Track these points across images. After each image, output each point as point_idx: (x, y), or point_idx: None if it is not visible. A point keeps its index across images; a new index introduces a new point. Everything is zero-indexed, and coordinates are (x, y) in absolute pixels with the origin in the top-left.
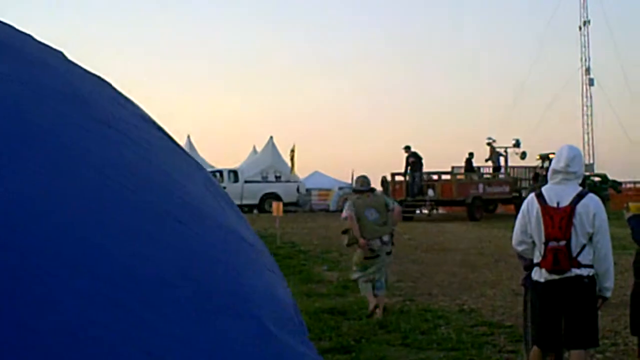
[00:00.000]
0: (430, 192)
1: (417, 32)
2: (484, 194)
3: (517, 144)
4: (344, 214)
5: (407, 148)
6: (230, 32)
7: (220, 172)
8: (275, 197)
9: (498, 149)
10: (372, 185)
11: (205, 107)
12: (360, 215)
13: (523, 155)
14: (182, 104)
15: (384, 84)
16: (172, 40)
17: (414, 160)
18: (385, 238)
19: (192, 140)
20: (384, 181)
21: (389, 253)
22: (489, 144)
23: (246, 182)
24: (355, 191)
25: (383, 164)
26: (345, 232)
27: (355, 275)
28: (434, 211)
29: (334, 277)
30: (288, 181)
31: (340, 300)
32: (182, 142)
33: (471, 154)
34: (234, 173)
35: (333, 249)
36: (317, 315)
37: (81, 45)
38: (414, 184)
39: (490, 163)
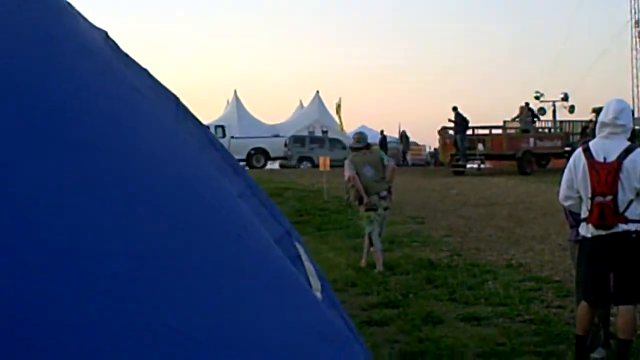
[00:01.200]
0: (480, 146)
1: None
2: (534, 148)
3: (565, 98)
4: (346, 174)
5: (454, 108)
6: None
7: (207, 127)
8: (263, 152)
9: (542, 105)
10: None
11: (251, 62)
12: (358, 172)
13: (572, 109)
14: (228, 59)
15: (432, 38)
16: None
17: (459, 121)
18: (383, 194)
19: (239, 94)
20: (402, 136)
21: (386, 208)
22: (537, 97)
23: (233, 137)
24: (352, 148)
25: (430, 118)
26: (348, 192)
27: (368, 229)
28: (482, 165)
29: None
30: (277, 135)
31: (388, 255)
32: (229, 96)
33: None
34: (221, 128)
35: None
36: (364, 270)
37: None
38: (461, 144)
39: (516, 123)
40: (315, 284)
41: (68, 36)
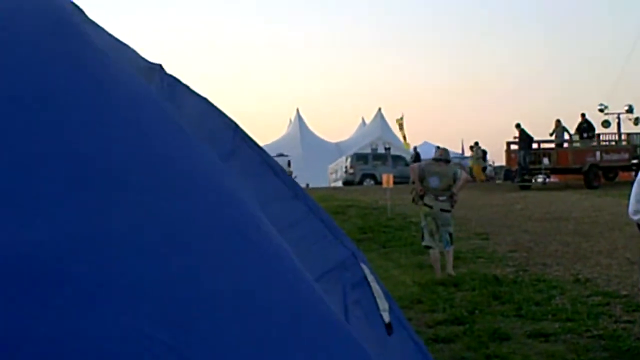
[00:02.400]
0: (546, 160)
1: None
2: (601, 162)
3: (630, 110)
4: (412, 177)
5: (518, 125)
6: (338, 3)
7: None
8: None
9: (607, 117)
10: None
11: (314, 80)
12: (423, 179)
13: (637, 121)
14: (291, 77)
15: (494, 54)
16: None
17: (522, 138)
18: (441, 198)
19: (301, 113)
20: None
21: (444, 210)
22: (600, 110)
23: None
24: (433, 158)
25: (493, 133)
26: (412, 192)
27: (421, 224)
28: (548, 179)
29: None
30: (281, 155)
31: (445, 272)
32: (291, 115)
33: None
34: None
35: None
36: (429, 286)
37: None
38: (524, 160)
39: (553, 137)
40: (383, 304)
41: (115, 82)
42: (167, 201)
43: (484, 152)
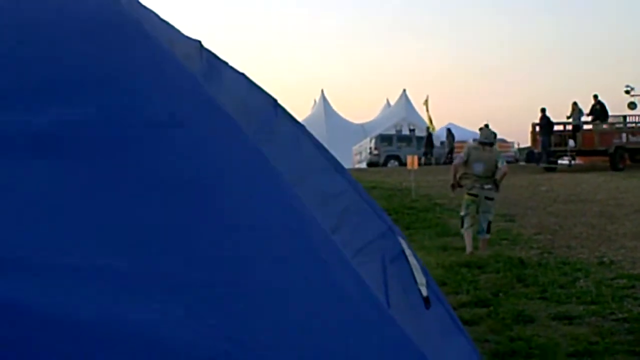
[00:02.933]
0: (571, 142)
1: None
2: (627, 143)
3: None
4: (455, 160)
5: (543, 110)
6: None
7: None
8: None
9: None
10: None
11: (339, 61)
12: (469, 164)
13: (632, 106)
14: (315, 58)
15: (519, 36)
16: None
17: (544, 124)
18: (487, 186)
19: (326, 94)
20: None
21: (489, 198)
22: (627, 92)
23: None
24: (479, 142)
25: (518, 115)
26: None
27: (462, 212)
28: (574, 162)
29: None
30: None
31: (477, 253)
32: (316, 96)
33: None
34: None
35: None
36: (453, 268)
37: None
38: (543, 146)
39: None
40: (420, 279)
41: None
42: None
43: (494, 135)
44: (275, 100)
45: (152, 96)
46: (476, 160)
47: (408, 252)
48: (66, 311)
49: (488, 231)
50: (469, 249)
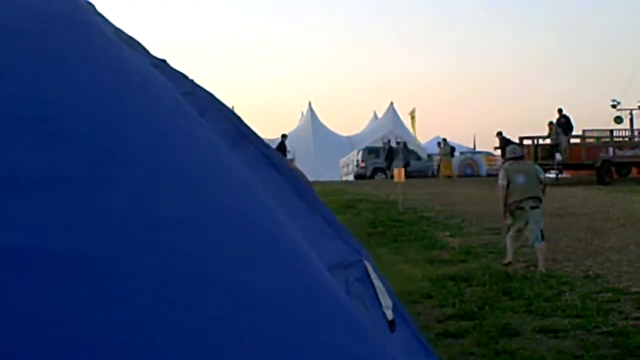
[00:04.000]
0: (558, 156)
1: None
2: (614, 158)
3: None
4: (500, 181)
5: (499, 134)
6: None
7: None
8: None
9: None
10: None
11: (326, 74)
12: (510, 180)
13: (618, 120)
14: (302, 71)
15: (507, 48)
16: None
17: (504, 144)
18: (534, 196)
19: (313, 106)
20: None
21: (534, 207)
22: (613, 106)
23: None
24: (509, 159)
25: (506, 129)
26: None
27: (508, 222)
28: (560, 175)
29: (457, 243)
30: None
31: (463, 266)
32: (303, 108)
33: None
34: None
35: (456, 215)
36: (439, 281)
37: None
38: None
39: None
40: (386, 301)
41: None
42: (183, 193)
43: (452, 149)
44: (238, 119)
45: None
46: (516, 173)
47: (373, 275)
48: None
49: (542, 238)
50: (509, 258)
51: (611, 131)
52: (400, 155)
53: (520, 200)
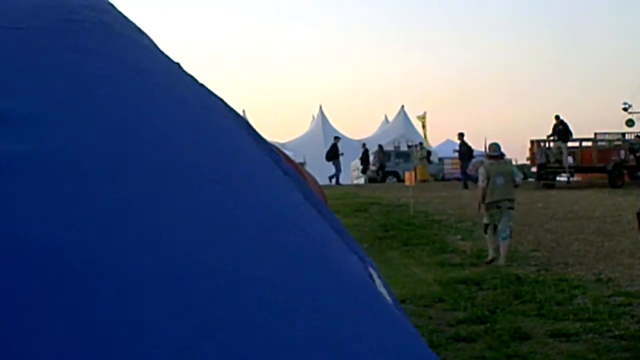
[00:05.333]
0: (570, 159)
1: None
2: (626, 161)
3: None
4: (479, 183)
5: (461, 135)
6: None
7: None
8: None
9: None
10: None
11: (337, 77)
12: (490, 180)
13: (630, 123)
14: (314, 74)
15: (518, 51)
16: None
17: (465, 149)
18: (509, 198)
19: (324, 110)
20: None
21: (510, 208)
22: (624, 109)
23: None
24: (488, 157)
25: (516, 131)
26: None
27: (485, 220)
28: (572, 178)
29: (468, 246)
30: None
31: (474, 270)
32: (314, 112)
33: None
34: None
35: (467, 218)
36: (451, 285)
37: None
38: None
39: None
40: None
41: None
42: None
43: (428, 153)
44: (248, 125)
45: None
46: (496, 175)
47: (378, 282)
48: None
49: (510, 236)
50: (490, 255)
51: (623, 134)
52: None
53: (498, 201)
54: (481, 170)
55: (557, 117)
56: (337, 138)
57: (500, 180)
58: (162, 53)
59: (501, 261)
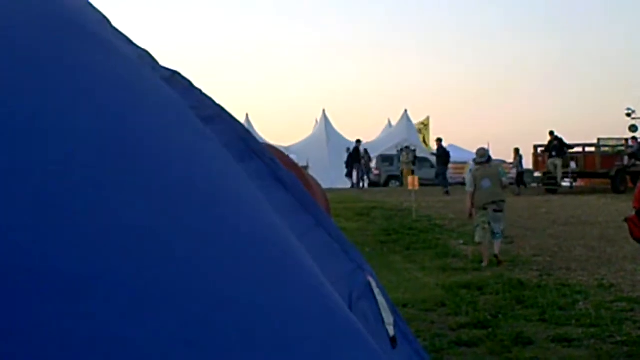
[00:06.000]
0: (573, 164)
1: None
2: (629, 166)
3: None
4: (467, 188)
5: (439, 140)
6: (364, 3)
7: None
8: None
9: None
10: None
11: (340, 81)
12: (477, 185)
13: (633, 129)
14: (317, 78)
15: (520, 57)
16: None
17: (442, 153)
18: (496, 200)
19: (327, 114)
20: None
21: (497, 211)
22: (628, 114)
23: None
24: (476, 162)
25: (519, 137)
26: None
27: (475, 223)
28: (575, 184)
29: (470, 251)
30: None
31: (477, 274)
32: (318, 115)
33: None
34: None
35: (469, 222)
36: (453, 290)
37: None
38: (443, 172)
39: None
40: (388, 318)
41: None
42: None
43: (415, 157)
44: (247, 132)
45: None
46: (482, 178)
47: (377, 290)
48: None
49: (502, 236)
50: (484, 262)
51: (626, 140)
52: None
53: (486, 203)
54: (468, 177)
55: (551, 133)
56: (359, 141)
57: (486, 183)
58: (154, 63)
59: (496, 251)
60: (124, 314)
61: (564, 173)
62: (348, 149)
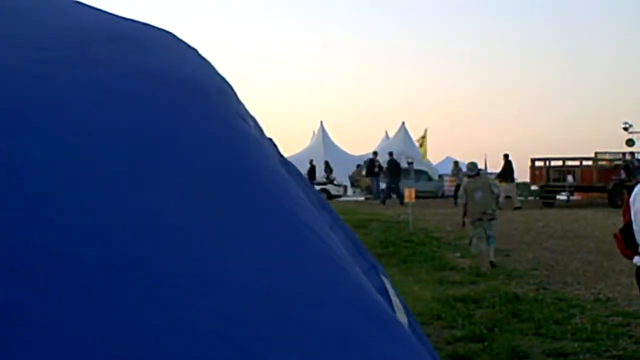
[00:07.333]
0: (570, 178)
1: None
2: (626, 180)
3: None
4: (460, 200)
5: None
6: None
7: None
8: None
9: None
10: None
11: (338, 93)
12: (469, 197)
13: (630, 143)
14: (315, 90)
15: (518, 69)
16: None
17: (393, 166)
18: (489, 211)
19: (325, 125)
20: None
21: (490, 220)
22: (625, 129)
23: None
24: (467, 176)
25: (517, 149)
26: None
27: (470, 234)
28: (572, 197)
29: (467, 264)
30: None
31: (473, 288)
32: (315, 127)
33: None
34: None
35: (466, 235)
36: (449, 303)
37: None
38: (391, 183)
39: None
40: (403, 319)
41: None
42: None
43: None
44: (270, 139)
45: None
46: (474, 190)
47: (391, 291)
48: None
49: (494, 242)
50: (483, 268)
51: (623, 154)
52: (412, 175)
53: (479, 214)
54: (461, 190)
55: (505, 156)
56: (375, 153)
57: (478, 195)
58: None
59: (490, 255)
60: (156, 303)
61: (560, 186)
62: (365, 162)
